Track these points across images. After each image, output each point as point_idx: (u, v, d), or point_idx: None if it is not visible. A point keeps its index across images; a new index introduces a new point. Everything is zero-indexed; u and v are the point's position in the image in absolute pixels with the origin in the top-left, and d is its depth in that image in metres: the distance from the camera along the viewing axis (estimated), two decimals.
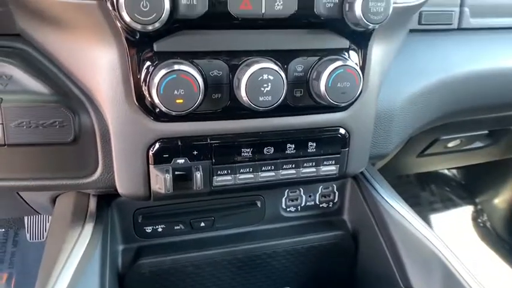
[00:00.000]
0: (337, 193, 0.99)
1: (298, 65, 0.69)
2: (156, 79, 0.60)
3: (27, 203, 0.96)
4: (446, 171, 2.24)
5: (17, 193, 0.93)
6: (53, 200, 0.90)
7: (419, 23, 0.94)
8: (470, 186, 2.17)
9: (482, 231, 2.06)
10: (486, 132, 1.25)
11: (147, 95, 0.63)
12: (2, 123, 0.67)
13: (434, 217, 2.10)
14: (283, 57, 0.68)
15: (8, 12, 0.70)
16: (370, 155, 0.84)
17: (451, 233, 2.04)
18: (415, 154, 1.28)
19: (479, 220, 2.11)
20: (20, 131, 0.67)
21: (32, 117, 0.67)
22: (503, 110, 1.08)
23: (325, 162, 0.78)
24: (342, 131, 0.77)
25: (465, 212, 2.13)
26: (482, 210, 2.13)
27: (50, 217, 1.68)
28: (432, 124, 0.98)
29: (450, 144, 1.26)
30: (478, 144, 1.33)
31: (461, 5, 0.97)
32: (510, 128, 1.27)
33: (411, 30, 0.91)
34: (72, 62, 0.68)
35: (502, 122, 1.21)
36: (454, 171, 2.23)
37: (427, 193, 2.20)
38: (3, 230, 1.81)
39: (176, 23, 0.61)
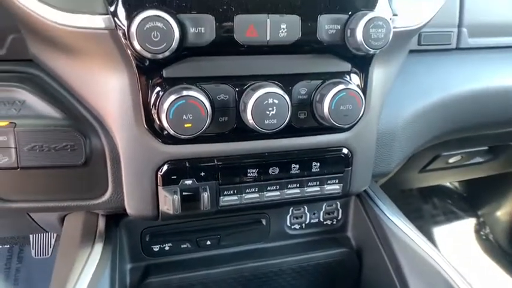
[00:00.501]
0: (340, 210, 1.00)
1: (302, 88, 0.71)
2: (166, 104, 0.62)
3: (36, 222, 0.97)
4: (448, 184, 2.25)
5: (27, 213, 0.94)
6: (62, 219, 0.92)
7: (419, 44, 0.96)
8: (472, 199, 2.18)
9: (485, 244, 2.06)
10: (486, 148, 1.27)
11: (157, 119, 0.66)
12: (16, 147, 0.69)
13: (437, 230, 2.10)
14: (287, 80, 0.70)
15: (20, 39, 0.73)
16: (373, 173, 0.86)
17: (454, 246, 2.04)
18: (417, 170, 1.30)
19: (482, 233, 2.11)
20: (32, 154, 0.69)
21: (44, 141, 0.69)
22: (503, 127, 1.10)
23: (329, 182, 0.79)
24: (345, 150, 0.79)
25: (468, 224, 2.14)
26: (485, 223, 2.13)
27: (55, 234, 1.69)
28: (433, 142, 1.00)
29: (451, 160, 1.28)
30: (478, 159, 1.35)
31: (459, 26, 1.00)
32: (510, 144, 1.29)
33: (411, 51, 0.93)
34: (83, 87, 0.70)
35: (502, 138, 1.23)
36: (456, 184, 2.24)
37: (429, 206, 2.21)
38: (8, 246, 1.82)
39: (185, 51, 0.63)
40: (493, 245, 2.05)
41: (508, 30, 1.06)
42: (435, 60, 0.97)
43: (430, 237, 2.01)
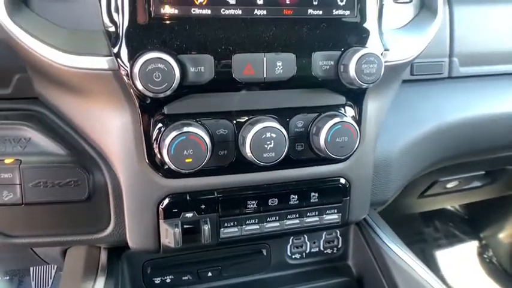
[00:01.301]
0: (340, 239, 1.01)
1: (298, 121, 0.73)
2: (167, 140, 0.64)
3: (38, 255, 0.98)
4: (449, 207, 2.25)
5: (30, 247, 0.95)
6: (64, 252, 0.92)
7: (411, 74, 0.99)
8: (474, 221, 2.17)
9: (489, 267, 2.04)
10: (483, 172, 1.29)
11: (158, 154, 0.68)
12: (20, 184, 0.70)
13: (439, 254, 2.09)
14: (284, 114, 0.73)
15: (26, 78, 0.76)
16: (371, 202, 0.88)
17: (457, 270, 2.02)
18: (416, 195, 1.31)
19: (485, 256, 2.10)
20: (36, 190, 0.71)
21: (48, 177, 0.71)
22: (497, 152, 1.12)
23: (327, 211, 0.81)
24: (343, 180, 0.80)
25: (470, 248, 2.12)
26: (488, 246, 2.12)
27: (55, 266, 1.68)
28: (430, 169, 1.02)
29: (449, 185, 1.29)
30: (476, 183, 1.36)
31: (450, 56, 1.03)
32: (506, 168, 1.30)
33: (404, 81, 0.96)
34: (87, 125, 0.73)
35: (498, 163, 1.24)
36: (457, 206, 2.24)
37: (431, 229, 2.20)
38: (7, 277, 1.80)
39: (185, 89, 0.66)
40: (497, 268, 2.04)
41: (498, 58, 1.09)
42: (428, 89, 1.00)
43: (432, 261, 2.00)
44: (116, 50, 0.63)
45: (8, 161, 0.70)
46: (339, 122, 0.71)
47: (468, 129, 0.99)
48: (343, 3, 0.71)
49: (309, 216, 0.80)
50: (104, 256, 0.84)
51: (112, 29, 0.64)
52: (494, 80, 1.09)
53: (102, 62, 0.63)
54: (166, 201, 0.72)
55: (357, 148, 0.74)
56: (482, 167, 1.27)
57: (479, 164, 1.21)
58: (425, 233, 2.16)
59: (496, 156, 1.15)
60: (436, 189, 1.29)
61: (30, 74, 0.75)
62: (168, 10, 0.64)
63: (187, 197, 0.73)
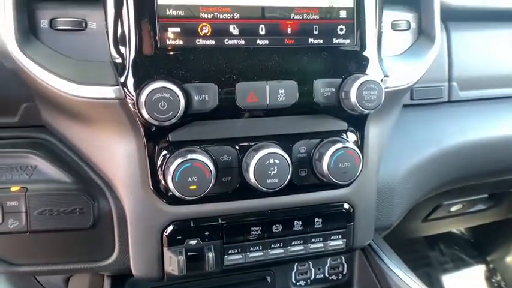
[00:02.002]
0: (345, 265, 1.00)
1: (301, 147, 0.74)
2: (172, 168, 0.65)
3: (40, 283, 0.97)
4: (454, 230, 2.22)
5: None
6: (66, 280, 0.92)
7: (412, 98, 1.01)
8: (480, 244, 2.14)
9: None
10: (486, 195, 1.29)
11: (163, 181, 0.68)
12: (26, 211, 0.71)
13: (446, 278, 2.05)
14: (287, 140, 0.74)
15: (33, 106, 0.77)
16: (375, 227, 0.87)
17: None
18: (420, 219, 1.30)
19: (493, 280, 2.06)
20: (42, 218, 0.72)
21: (54, 205, 0.72)
22: (500, 175, 1.12)
23: (332, 237, 0.81)
24: (346, 206, 0.81)
25: (477, 272, 2.09)
26: (495, 270, 2.08)
27: None
28: (433, 193, 1.02)
29: (453, 209, 1.29)
30: (480, 206, 1.35)
31: (450, 80, 1.05)
32: (510, 191, 1.30)
33: (404, 105, 0.98)
34: (93, 152, 0.74)
35: (501, 186, 1.24)
36: (463, 229, 2.22)
37: (436, 253, 2.17)
38: None
39: (189, 116, 0.67)
40: None
41: (497, 82, 1.11)
42: (428, 113, 1.01)
43: (438, 286, 1.96)
44: (122, 79, 0.65)
45: (14, 188, 0.71)
46: (341, 148, 0.72)
47: (469, 152, 1.00)
48: (343, 32, 0.73)
49: (313, 242, 0.80)
50: (107, 284, 0.84)
51: (119, 59, 0.66)
52: (495, 104, 1.10)
53: (109, 92, 0.65)
54: (170, 228, 0.72)
55: (359, 173, 0.74)
56: (486, 190, 1.27)
57: (483, 187, 1.21)
58: (431, 256, 2.13)
59: (499, 179, 1.15)
60: (440, 213, 1.28)
61: (38, 102, 0.77)
62: (173, 41, 0.66)
63: (192, 224, 0.73)
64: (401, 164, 0.91)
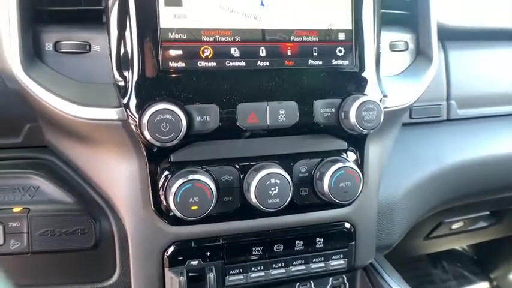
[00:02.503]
0: (347, 284, 0.99)
1: (302, 167, 0.75)
2: (173, 188, 0.65)
3: None
4: (457, 247, 2.20)
5: None
6: None
7: (411, 117, 1.02)
8: (483, 261, 2.12)
9: None
10: (488, 213, 1.28)
11: (164, 201, 0.69)
12: (28, 232, 0.71)
13: None
14: (288, 160, 0.74)
15: (37, 127, 0.78)
16: (377, 246, 0.87)
17: None
18: (422, 237, 1.30)
19: None
20: (44, 239, 0.72)
21: (56, 226, 0.72)
22: (500, 192, 1.12)
23: (333, 257, 0.80)
24: (347, 225, 0.81)
25: None
26: (499, 287, 2.06)
27: None
28: (434, 210, 1.02)
29: (454, 226, 1.28)
30: (482, 224, 1.35)
31: (448, 99, 1.06)
32: (511, 208, 1.30)
33: (403, 124, 0.98)
34: (94, 172, 0.74)
35: (502, 203, 1.24)
36: (465, 246, 2.20)
37: (439, 271, 2.15)
38: None
39: (191, 137, 0.68)
40: None
41: (494, 100, 1.12)
42: (428, 132, 1.02)
43: None
44: (125, 101, 0.66)
45: (16, 209, 0.72)
46: (341, 168, 0.72)
47: (469, 170, 1.00)
48: (342, 53, 0.75)
49: (314, 262, 0.80)
50: None
51: (122, 81, 0.67)
52: (493, 122, 1.11)
53: (111, 113, 0.66)
54: (171, 248, 0.72)
55: (360, 193, 0.75)
56: (487, 208, 1.27)
57: (484, 204, 1.21)
58: (434, 274, 2.11)
59: (499, 196, 1.15)
60: (442, 231, 1.28)
61: (41, 123, 0.78)
62: (175, 64, 0.67)
63: (193, 244, 0.73)
64: (401, 183, 0.91)
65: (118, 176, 0.71)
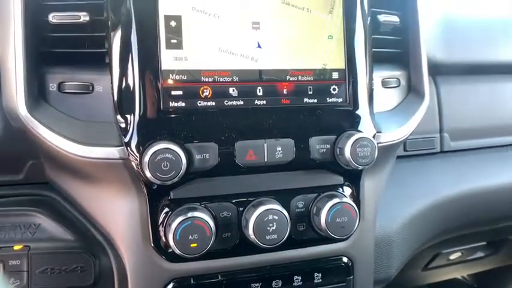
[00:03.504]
0: None
1: (299, 202, 0.76)
2: (173, 225, 0.66)
3: None
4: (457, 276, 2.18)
5: None
6: None
7: (405, 150, 1.04)
8: None
9: None
10: (485, 243, 1.29)
11: (163, 238, 0.69)
12: (28, 271, 0.71)
13: None
14: (285, 195, 0.76)
15: (39, 164, 0.80)
16: (374, 279, 0.88)
17: None
18: (419, 268, 1.30)
19: None
20: (43, 277, 0.72)
21: (56, 264, 0.72)
22: (496, 223, 1.13)
23: None
24: (345, 259, 0.81)
25: None
26: None
27: None
28: (430, 242, 1.03)
29: (452, 257, 1.29)
30: (479, 254, 1.35)
31: (441, 131, 1.09)
32: (508, 238, 1.31)
33: (398, 157, 1.01)
34: (94, 209, 0.75)
35: (499, 233, 1.25)
36: (465, 274, 2.18)
37: None
38: None
39: (191, 174, 0.69)
40: None
41: (486, 132, 1.15)
42: (422, 164, 1.04)
43: None
44: (126, 139, 0.68)
45: (17, 247, 0.72)
46: (338, 203, 0.74)
47: (464, 202, 1.02)
48: (336, 91, 0.77)
49: None
50: None
51: (123, 121, 0.69)
52: (486, 153, 1.14)
53: (113, 152, 0.68)
54: (170, 285, 0.73)
55: (357, 227, 0.76)
56: (484, 238, 1.27)
57: (480, 235, 1.22)
58: None
59: (495, 227, 1.17)
60: (440, 261, 1.28)
61: (43, 160, 0.79)
62: (176, 104, 0.69)
63: (192, 281, 0.73)
64: (397, 215, 0.92)
65: (118, 213, 0.72)
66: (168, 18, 0.69)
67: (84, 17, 0.70)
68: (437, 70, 1.09)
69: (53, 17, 0.70)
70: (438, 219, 0.98)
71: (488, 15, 1.29)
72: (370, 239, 0.84)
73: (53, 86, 0.72)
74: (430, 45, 0.98)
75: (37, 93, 0.71)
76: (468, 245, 1.26)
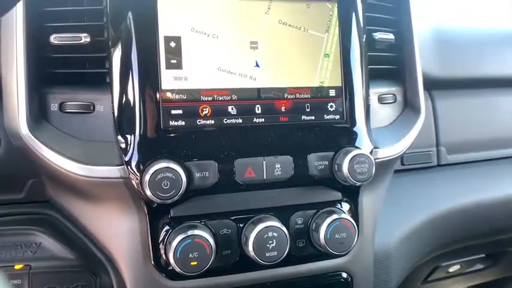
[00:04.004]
0: None
1: (298, 218, 0.77)
2: (173, 243, 0.67)
3: None
4: None
5: None
6: None
7: (402, 164, 1.05)
8: None
9: None
10: (483, 255, 1.29)
11: (164, 256, 0.70)
12: None
13: None
14: (284, 212, 0.76)
15: (39, 182, 0.80)
16: None
17: None
18: (419, 281, 1.30)
19: None
20: None
21: (57, 283, 0.73)
22: (493, 235, 1.14)
23: None
24: (344, 275, 0.82)
25: None
26: None
27: None
28: (429, 256, 1.04)
29: (451, 270, 1.29)
30: (479, 266, 1.35)
31: (438, 145, 1.10)
32: (507, 250, 1.31)
33: (396, 171, 1.02)
34: (95, 227, 0.76)
35: (497, 246, 1.25)
36: (465, 287, 2.17)
37: None
38: None
39: (191, 192, 0.70)
40: None
41: (482, 145, 1.16)
42: (419, 177, 1.05)
43: None
44: (127, 158, 0.68)
45: (18, 266, 0.72)
46: (337, 219, 0.74)
47: (462, 215, 1.02)
48: (333, 108, 0.79)
49: None
50: None
51: (124, 140, 0.70)
52: (482, 166, 1.15)
53: (114, 171, 0.69)
54: None
55: (356, 243, 0.76)
56: (482, 250, 1.28)
57: (479, 247, 1.23)
58: None
59: (494, 239, 1.17)
60: (439, 274, 1.28)
61: (44, 179, 0.80)
62: (175, 123, 0.70)
63: None
64: (396, 230, 0.93)
65: (119, 231, 0.73)
66: (167, 39, 0.71)
67: (85, 38, 0.71)
68: (433, 85, 1.10)
69: (55, 38, 0.71)
70: (436, 233, 0.98)
71: (483, 27, 1.31)
72: (369, 254, 0.85)
73: (54, 106, 0.73)
74: (426, 61, 1.00)
75: (39, 113, 0.72)
76: (467, 258, 1.27)
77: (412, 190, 1.01)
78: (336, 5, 0.80)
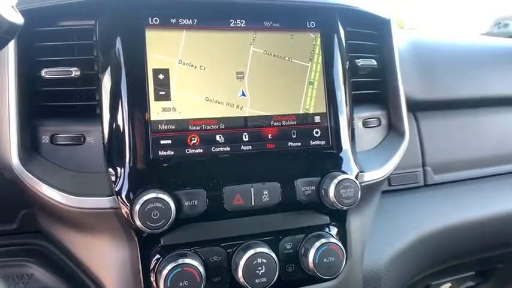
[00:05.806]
0: None
1: (287, 243, 0.78)
2: (164, 272, 0.68)
3: None
4: None
5: None
6: None
7: (389, 185, 1.07)
8: None
9: None
10: (474, 273, 1.31)
11: (155, 285, 0.70)
12: None
13: None
14: (273, 237, 0.78)
15: (31, 213, 0.81)
16: None
17: None
18: None
19: None
20: None
21: None
22: (482, 253, 1.15)
23: None
24: None
25: None
26: None
27: None
28: (418, 275, 1.05)
29: None
30: (469, 283, 1.37)
31: (424, 165, 1.13)
32: (497, 266, 1.33)
33: (383, 192, 1.03)
34: (86, 257, 0.76)
35: (487, 263, 1.27)
36: None
37: None
38: None
39: (180, 221, 0.71)
40: None
41: (468, 164, 1.19)
42: (406, 198, 1.07)
43: None
44: (117, 189, 0.70)
45: None
46: (325, 243, 0.76)
47: (450, 234, 1.04)
48: (319, 134, 0.81)
49: None
50: None
51: (114, 171, 0.71)
52: (468, 185, 1.17)
53: (104, 202, 0.70)
54: None
55: (344, 266, 0.77)
56: (473, 268, 1.29)
57: (469, 265, 1.24)
58: None
59: (483, 256, 1.19)
60: None
61: (36, 209, 0.81)
62: (164, 152, 0.72)
63: None
64: (384, 251, 0.94)
65: (109, 261, 0.73)
66: (156, 72, 0.73)
67: (75, 71, 0.73)
68: (417, 106, 1.13)
69: (46, 73, 0.73)
70: (425, 252, 1.00)
71: (464, 41, 1.35)
72: (359, 277, 0.86)
73: (45, 139, 0.74)
74: (409, 84, 1.03)
75: (30, 145, 0.73)
76: (458, 275, 1.28)
77: (399, 210, 1.03)
78: (319, 35, 0.83)
